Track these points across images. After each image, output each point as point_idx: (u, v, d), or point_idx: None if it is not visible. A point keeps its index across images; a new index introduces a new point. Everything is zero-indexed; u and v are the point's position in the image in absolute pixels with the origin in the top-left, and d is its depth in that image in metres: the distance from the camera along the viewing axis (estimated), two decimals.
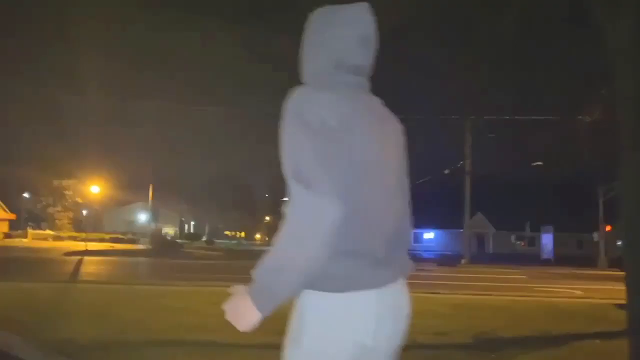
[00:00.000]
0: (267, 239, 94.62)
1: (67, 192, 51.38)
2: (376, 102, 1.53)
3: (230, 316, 1.38)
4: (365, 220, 1.36)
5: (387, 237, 1.42)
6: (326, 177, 1.28)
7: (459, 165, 31.76)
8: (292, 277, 1.29)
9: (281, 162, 1.39)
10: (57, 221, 51.93)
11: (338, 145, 1.31)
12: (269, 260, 1.32)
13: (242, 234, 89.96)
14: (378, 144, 1.42)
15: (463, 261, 29.47)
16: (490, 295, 12.27)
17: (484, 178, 33.36)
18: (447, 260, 29.64)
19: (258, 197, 79.91)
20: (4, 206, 49.83)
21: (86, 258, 23.01)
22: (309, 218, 1.27)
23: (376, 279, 1.39)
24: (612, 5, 4.58)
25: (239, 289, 1.41)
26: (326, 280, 1.32)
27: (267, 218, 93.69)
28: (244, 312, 1.34)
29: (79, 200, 51.22)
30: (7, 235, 45.22)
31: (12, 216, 50.79)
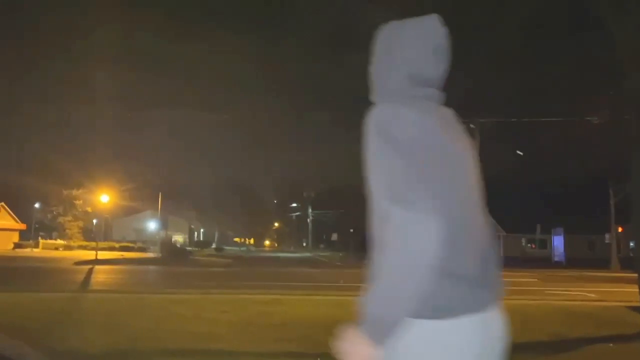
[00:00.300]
0: (276, 245, 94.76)
1: (77, 202, 51.71)
2: (450, 114, 1.49)
3: (346, 355, 1.28)
4: (463, 238, 1.29)
5: (483, 255, 1.36)
6: (425, 194, 1.21)
7: None
8: (405, 304, 1.21)
9: (368, 184, 1.32)
10: (67, 231, 52.24)
11: (429, 161, 1.26)
12: (378, 290, 1.24)
13: (251, 241, 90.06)
14: (462, 157, 1.39)
15: None
16: (503, 299, 12.15)
17: (493, 180, 33.11)
18: None
19: (266, 203, 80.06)
20: (14, 216, 50.22)
21: (96, 267, 23.11)
22: (415, 239, 1.18)
23: (477, 303, 1.31)
24: (618, 4, 4.55)
25: (348, 329, 1.32)
26: (425, 305, 1.24)
27: (276, 224, 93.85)
28: (360, 349, 1.25)
29: (89, 209, 51.51)
30: (18, 245, 45.55)
31: (23, 226, 51.18)
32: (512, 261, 32.95)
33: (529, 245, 54.14)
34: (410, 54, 1.42)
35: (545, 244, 48.61)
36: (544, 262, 35.77)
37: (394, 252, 1.21)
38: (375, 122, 1.31)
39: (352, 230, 64.29)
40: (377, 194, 1.30)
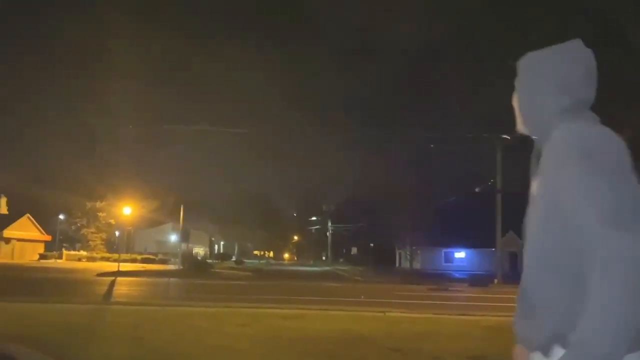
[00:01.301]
0: (295, 258, 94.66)
1: (100, 214, 52.49)
2: None
3: None
4: None
5: None
6: None
7: (490, 183, 31.28)
8: (631, 335, 1.10)
9: (575, 210, 1.22)
10: (90, 242, 52.97)
11: (636, 181, 1.23)
12: (604, 323, 1.10)
13: (271, 254, 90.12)
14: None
15: (495, 281, 28.81)
16: None
17: (516, 196, 32.67)
18: (478, 280, 29.03)
19: (286, 217, 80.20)
20: (40, 228, 51.11)
21: (119, 279, 23.33)
22: None
23: None
24: None
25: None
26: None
27: (295, 237, 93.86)
28: None
29: (112, 221, 52.19)
30: (42, 256, 46.28)
31: (48, 237, 52.03)
32: None
33: None
34: (567, 78, 1.42)
35: None
36: None
37: (623, 281, 1.10)
38: (573, 145, 1.26)
39: (372, 245, 63.80)
40: (587, 220, 1.19)
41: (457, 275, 35.92)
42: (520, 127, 1.53)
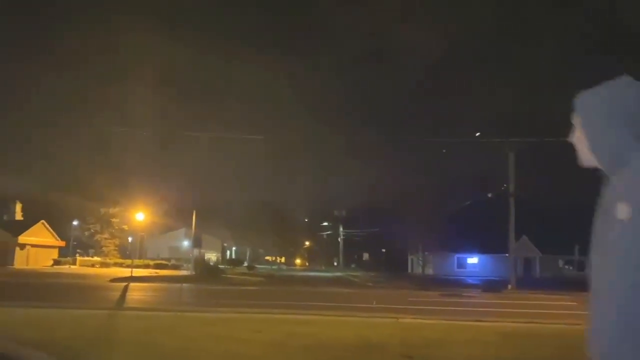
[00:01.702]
0: (306, 264, 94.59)
1: (113, 220, 52.87)
2: None
3: None
4: None
5: None
6: None
7: (502, 188, 31.09)
8: None
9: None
10: (104, 248, 53.37)
11: None
12: None
13: (282, 259, 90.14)
14: None
15: (509, 287, 28.60)
16: (539, 323, 11.83)
17: (530, 201, 32.49)
18: (492, 286, 28.81)
19: (297, 222, 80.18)
20: (54, 234, 51.62)
21: (132, 284, 23.48)
22: None
23: None
24: None
25: None
26: None
27: (307, 243, 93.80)
28: None
29: (125, 227, 52.54)
30: (56, 262, 46.71)
31: (62, 243, 52.51)
32: (549, 283, 32.08)
33: (566, 266, 52.60)
34: (631, 110, 1.50)
35: (583, 265, 46.90)
36: (582, 284, 34.36)
37: None
38: None
39: (384, 250, 63.62)
40: None
41: (470, 280, 35.68)
42: (587, 161, 1.60)
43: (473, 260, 51.83)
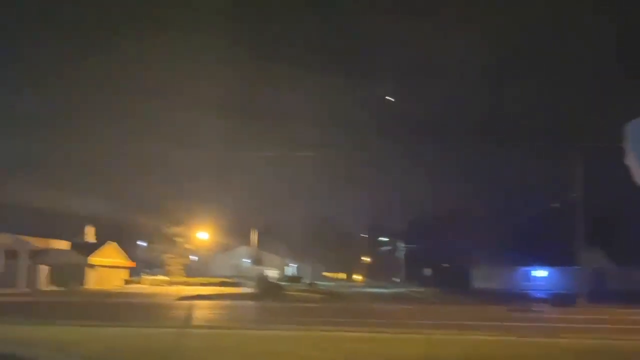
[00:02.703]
0: (366, 280, 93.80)
1: (178, 239, 54.52)
2: None
3: None
4: None
5: None
6: None
7: (569, 198, 29.80)
8: None
9: None
10: (170, 267, 55.06)
11: None
12: None
13: (342, 275, 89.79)
14: None
15: (580, 301, 27.22)
16: (615, 340, 11.16)
17: (602, 210, 30.93)
18: (561, 299, 27.54)
19: (356, 238, 79.88)
20: (124, 254, 53.76)
21: (197, 302, 24.07)
22: None
23: None
24: None
25: None
26: None
27: (366, 259, 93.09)
28: None
29: (189, 246, 54.06)
30: (126, 282, 48.55)
31: (132, 264, 54.58)
32: (624, 297, 30.28)
33: None
34: None
35: None
36: None
37: None
38: None
39: (446, 265, 62.26)
40: None
41: (537, 294, 34.27)
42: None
43: (539, 273, 49.75)
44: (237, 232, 55.64)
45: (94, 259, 46.35)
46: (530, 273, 49.83)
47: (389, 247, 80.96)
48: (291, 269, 76.69)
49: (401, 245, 74.37)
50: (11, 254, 35.63)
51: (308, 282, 56.02)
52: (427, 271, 67.20)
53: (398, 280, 77.34)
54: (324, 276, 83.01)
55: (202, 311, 19.98)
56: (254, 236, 37.81)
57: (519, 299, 29.23)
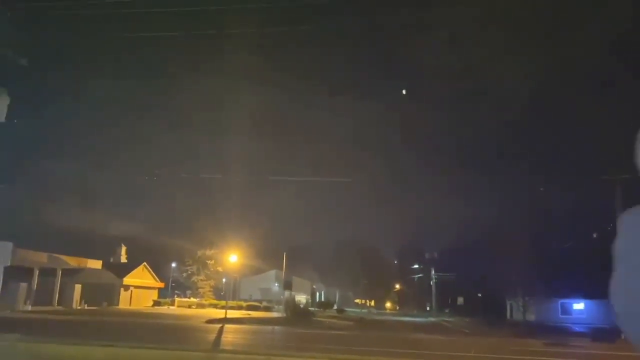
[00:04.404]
0: (397, 308, 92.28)
1: (209, 262, 54.85)
2: None
3: None
4: None
5: None
6: None
7: (609, 228, 28.79)
8: None
9: None
10: (199, 289, 55.34)
11: None
12: None
13: (372, 303, 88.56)
14: None
15: (622, 336, 26.00)
16: None
17: None
18: (602, 334, 26.32)
19: (387, 264, 78.89)
20: (154, 275, 54.39)
21: (226, 326, 23.96)
22: None
23: None
24: None
25: None
26: None
27: (397, 286, 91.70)
28: None
29: (220, 269, 54.29)
30: (156, 303, 48.97)
31: (161, 284, 55.11)
32: None
33: None
34: None
35: None
36: None
37: None
38: None
39: (479, 295, 60.79)
40: None
41: (576, 328, 32.97)
42: None
43: (579, 306, 47.93)
44: (267, 255, 55.75)
45: (127, 279, 46.99)
46: (571, 306, 48.10)
47: (420, 275, 79.63)
48: (321, 294, 76.13)
49: (433, 273, 73.06)
50: (46, 272, 36.36)
51: (337, 308, 55.44)
52: (460, 300, 65.69)
53: (429, 308, 75.81)
54: (354, 303, 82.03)
55: (231, 335, 19.85)
56: (284, 260, 37.71)
57: (557, 332, 28.15)
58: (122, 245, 52.97)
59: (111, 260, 49.99)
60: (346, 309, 57.59)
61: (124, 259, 52.62)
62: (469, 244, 59.44)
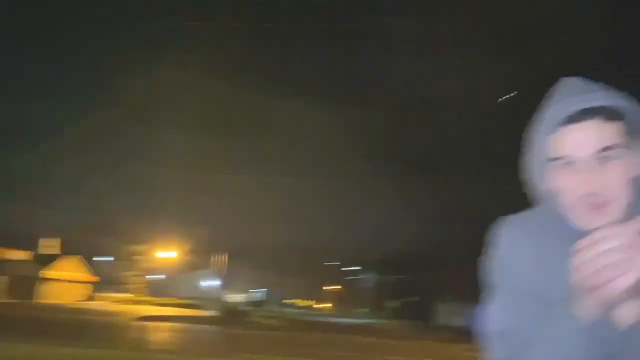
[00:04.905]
0: (335, 308, 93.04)
1: (142, 257, 53.46)
2: None
3: None
4: None
5: None
6: None
7: None
8: None
9: None
10: (132, 285, 53.80)
11: None
12: None
13: (310, 303, 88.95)
14: None
15: None
16: None
17: None
18: None
19: (327, 265, 79.46)
20: (88, 269, 52.45)
21: (155, 324, 23.39)
22: None
23: None
24: None
25: None
26: None
27: (336, 287, 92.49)
28: None
29: (153, 265, 53.07)
30: (90, 297, 47.23)
31: (94, 279, 53.23)
32: None
33: None
34: None
35: None
36: None
37: None
38: None
39: (416, 298, 62.32)
40: None
41: None
42: None
43: None
44: (205, 253, 54.89)
45: (49, 272, 44.92)
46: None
47: (360, 277, 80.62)
48: (258, 294, 75.75)
49: (372, 275, 74.21)
50: None
51: (274, 308, 55.34)
52: (395, 303, 67.02)
53: (366, 310, 76.88)
54: (292, 303, 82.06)
55: (161, 333, 19.39)
56: (221, 258, 37.28)
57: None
58: (50, 237, 50.70)
59: (38, 251, 47.77)
60: (283, 309, 57.60)
61: (57, 251, 50.40)
62: (410, 249, 60.77)
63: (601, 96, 1.06)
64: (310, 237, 69.30)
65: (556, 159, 1.09)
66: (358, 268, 79.75)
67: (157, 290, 52.35)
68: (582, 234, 1.03)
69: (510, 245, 1.29)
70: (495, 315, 1.30)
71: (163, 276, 55.79)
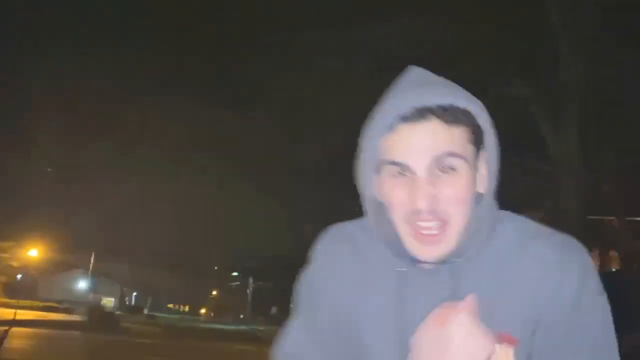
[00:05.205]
0: (212, 314, 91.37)
1: (2, 255, 48.95)
2: None
3: None
4: None
5: None
6: None
7: None
8: None
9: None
10: None
11: None
12: None
13: (186, 308, 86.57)
14: None
15: None
16: None
17: None
18: None
19: (205, 270, 77.87)
20: None
21: (14, 329, 21.25)
22: None
23: None
24: None
25: None
26: None
27: (214, 292, 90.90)
28: None
29: (14, 264, 48.77)
30: None
31: None
32: None
33: None
34: None
35: None
36: None
37: None
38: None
39: (292, 306, 62.87)
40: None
41: None
42: None
43: None
44: (74, 253, 51.26)
45: None
46: None
47: (238, 283, 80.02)
48: (132, 298, 72.19)
49: (251, 281, 73.98)
50: None
51: (148, 313, 53.11)
52: (273, 309, 67.35)
53: (242, 316, 76.43)
54: (168, 308, 79.22)
55: (17, 340, 17.61)
56: (92, 259, 34.93)
57: None
58: None
59: None
60: (158, 314, 55.40)
61: None
62: (289, 254, 61.35)
63: (441, 94, 0.89)
64: (187, 240, 67.38)
65: (386, 163, 0.92)
66: (237, 274, 79.26)
67: (17, 292, 47.85)
68: (410, 259, 0.94)
69: (325, 262, 1.15)
70: (288, 336, 1.19)
71: (23, 276, 51.15)
